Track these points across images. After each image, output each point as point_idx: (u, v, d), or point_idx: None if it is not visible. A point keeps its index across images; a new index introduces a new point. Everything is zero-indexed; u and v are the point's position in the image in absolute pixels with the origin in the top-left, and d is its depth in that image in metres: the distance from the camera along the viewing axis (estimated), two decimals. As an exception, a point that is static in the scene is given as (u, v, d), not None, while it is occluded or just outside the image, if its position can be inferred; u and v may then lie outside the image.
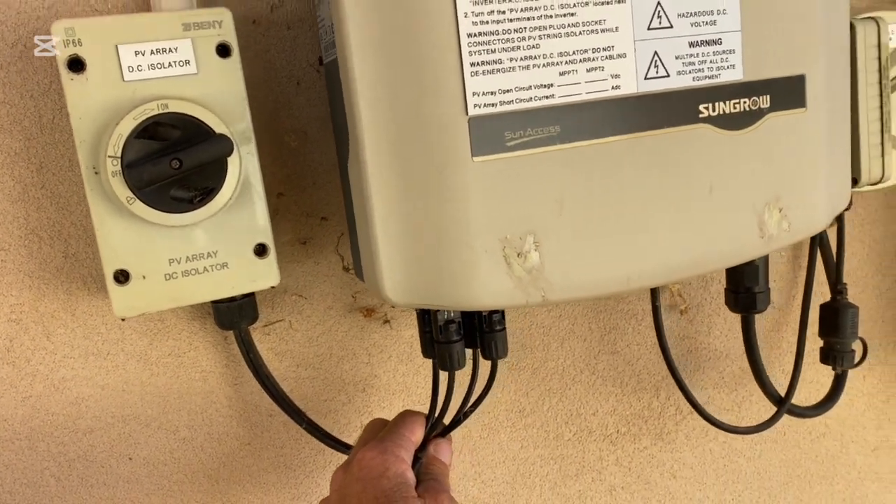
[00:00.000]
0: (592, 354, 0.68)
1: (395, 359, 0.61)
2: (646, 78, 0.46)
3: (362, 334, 0.59)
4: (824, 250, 0.63)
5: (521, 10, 0.42)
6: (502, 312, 0.51)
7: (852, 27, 0.55)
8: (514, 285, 0.45)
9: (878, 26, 0.56)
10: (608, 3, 0.44)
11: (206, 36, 0.45)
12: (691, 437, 0.73)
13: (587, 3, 0.43)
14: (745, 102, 0.49)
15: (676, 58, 0.46)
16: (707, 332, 0.71)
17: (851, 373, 0.81)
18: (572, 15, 0.43)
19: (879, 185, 0.61)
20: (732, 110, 0.48)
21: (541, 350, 0.66)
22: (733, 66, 0.48)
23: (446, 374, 0.50)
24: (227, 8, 0.46)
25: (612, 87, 0.45)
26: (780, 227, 0.51)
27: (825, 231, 0.68)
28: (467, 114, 0.42)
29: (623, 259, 0.47)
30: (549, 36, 0.43)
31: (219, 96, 0.46)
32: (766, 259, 0.58)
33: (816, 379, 0.77)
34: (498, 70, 0.42)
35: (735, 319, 0.72)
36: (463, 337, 0.49)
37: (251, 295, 0.51)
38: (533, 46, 0.43)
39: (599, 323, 0.68)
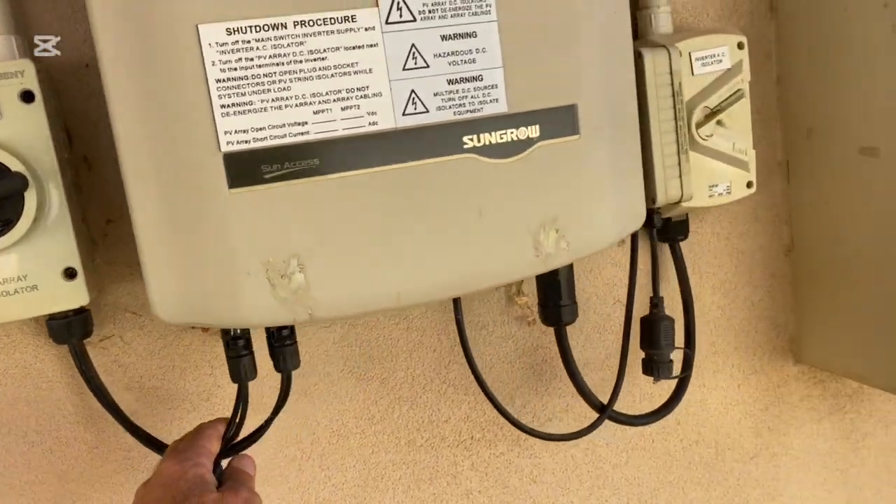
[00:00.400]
0: (443, 364, 0.72)
1: (240, 370, 0.66)
2: (404, 114, 0.50)
3: (204, 348, 0.64)
4: (654, 264, 0.66)
5: (270, 56, 0.47)
6: (291, 328, 0.55)
7: (640, 56, 0.59)
8: (280, 304, 0.49)
9: (669, 54, 0.59)
10: (360, 47, 0.48)
11: (9, 85, 0.51)
12: (550, 444, 0.77)
13: (338, 49, 0.48)
14: (511, 133, 0.52)
15: (435, 94, 0.50)
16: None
17: (725, 382, 0.83)
18: (322, 59, 0.48)
19: (689, 204, 0.64)
20: (499, 140, 0.52)
21: (389, 361, 0.70)
22: (496, 99, 0.52)
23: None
24: (29, 59, 0.51)
25: (370, 124, 0.49)
26: (557, 245, 0.55)
27: (656, 245, 0.71)
28: (220, 150, 0.47)
29: (391, 278, 0.51)
30: (299, 79, 0.47)
31: (23, 137, 0.51)
32: (569, 275, 0.62)
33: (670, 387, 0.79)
34: (249, 111, 0.47)
35: (584, 329, 0.75)
36: (251, 352, 0.54)
37: (83, 312, 0.57)
38: (284, 89, 0.47)
39: (449, 334, 0.72)
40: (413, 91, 0.50)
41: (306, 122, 0.48)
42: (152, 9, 0.45)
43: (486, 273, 0.53)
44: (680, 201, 0.62)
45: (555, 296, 0.61)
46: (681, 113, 0.60)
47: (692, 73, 0.68)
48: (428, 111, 0.50)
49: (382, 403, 0.71)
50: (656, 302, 0.65)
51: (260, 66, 0.47)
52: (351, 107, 0.49)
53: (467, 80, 0.51)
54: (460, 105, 0.51)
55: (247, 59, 0.46)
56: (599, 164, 0.56)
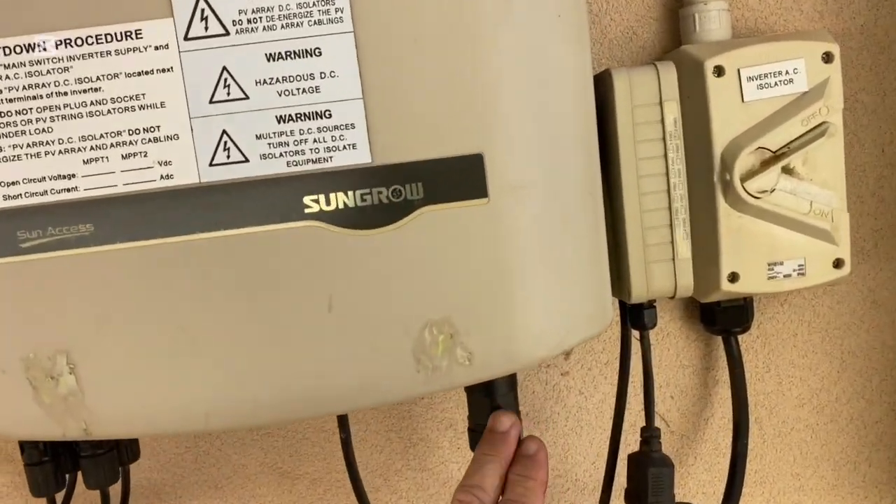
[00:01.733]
0: (393, 471, 0.56)
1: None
2: (211, 164, 0.36)
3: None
4: (647, 376, 0.45)
5: (24, 88, 0.35)
6: (104, 434, 0.43)
7: (604, 81, 0.39)
8: (46, 413, 0.37)
9: (658, 74, 0.39)
10: (148, 73, 0.35)
11: None
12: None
13: (117, 76, 0.35)
14: (379, 193, 0.36)
15: (258, 137, 0.36)
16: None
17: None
18: (95, 90, 0.35)
19: (740, 289, 0.43)
20: (359, 203, 0.36)
21: (321, 459, 0.56)
22: (353, 145, 0.36)
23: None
24: None
25: (162, 177, 0.36)
26: (451, 358, 0.37)
27: (649, 352, 0.49)
28: (-38, 211, 0.36)
29: (197, 392, 0.37)
30: (64, 117, 0.35)
31: None
32: (514, 386, 0.43)
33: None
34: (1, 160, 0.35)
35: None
36: (51, 459, 0.42)
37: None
38: (44, 130, 0.35)
39: (402, 432, 0.56)
40: (225, 132, 0.35)
41: (74, 175, 0.35)
42: None
43: (342, 392, 0.37)
44: (673, 296, 0.41)
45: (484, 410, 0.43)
46: (675, 162, 0.39)
47: (742, 100, 0.46)
48: (247, 160, 0.36)
49: (318, 508, 0.57)
50: (649, 435, 0.44)
51: (11, 101, 0.35)
52: (135, 154, 0.35)
53: (308, 116, 0.35)
54: (297, 152, 0.36)
55: (-8, 91, 0.35)
56: (523, 241, 0.37)
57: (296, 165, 0.36)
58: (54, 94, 0.35)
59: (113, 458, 0.43)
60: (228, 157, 0.36)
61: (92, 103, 0.35)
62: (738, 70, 0.46)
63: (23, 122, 0.35)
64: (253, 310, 0.37)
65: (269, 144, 0.36)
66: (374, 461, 0.56)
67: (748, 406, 0.52)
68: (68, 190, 0.36)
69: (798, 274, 0.48)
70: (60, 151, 0.35)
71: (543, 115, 0.37)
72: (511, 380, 0.43)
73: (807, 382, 0.56)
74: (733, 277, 0.48)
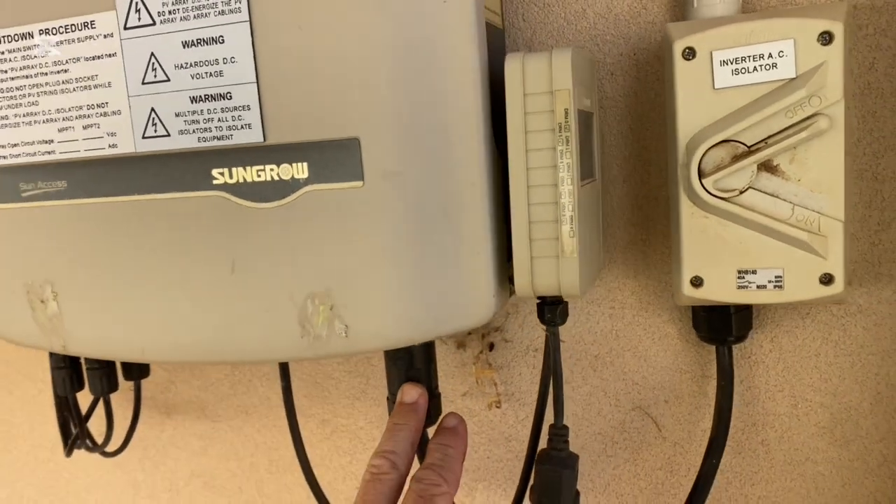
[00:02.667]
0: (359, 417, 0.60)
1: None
2: (144, 137, 0.42)
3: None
4: (553, 373, 0.42)
5: (20, 68, 0.43)
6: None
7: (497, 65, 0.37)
8: (39, 330, 0.47)
9: (553, 65, 0.36)
10: (99, 57, 0.42)
11: None
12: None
13: (79, 59, 0.42)
14: (271, 170, 0.40)
15: (177, 115, 0.41)
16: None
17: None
18: (65, 71, 0.42)
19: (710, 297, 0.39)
20: (255, 178, 0.40)
21: (329, 403, 0.61)
22: (249, 125, 0.39)
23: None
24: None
25: (110, 146, 0.42)
26: (331, 328, 0.40)
27: (550, 356, 0.46)
28: (-14, 165, 0.46)
29: (136, 328, 0.44)
30: (45, 93, 0.43)
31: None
32: (428, 362, 0.44)
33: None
34: (5, 125, 0.44)
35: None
36: (67, 367, 0.52)
37: None
38: (33, 103, 0.44)
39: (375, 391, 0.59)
40: (153, 110, 0.41)
41: (52, 141, 0.44)
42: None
43: (240, 346, 0.42)
44: (560, 295, 0.39)
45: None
46: (565, 155, 0.37)
47: (713, 87, 0.41)
48: (169, 135, 0.41)
49: (322, 448, 0.62)
50: (554, 434, 0.42)
51: (13, 79, 0.44)
52: (91, 125, 0.43)
53: (213, 97, 0.40)
54: (206, 129, 0.40)
55: (1, 70, 0.44)
56: (395, 223, 0.38)
57: (205, 141, 0.40)
58: (39, 74, 0.43)
59: (109, 373, 0.53)
60: (156, 131, 0.41)
61: (63, 82, 0.43)
62: (711, 53, 0.41)
63: (20, 97, 0.44)
64: (174, 264, 0.42)
65: (185, 122, 0.40)
66: (373, 413, 0.60)
67: (729, 423, 0.47)
68: (49, 153, 0.44)
69: (774, 286, 0.42)
70: (44, 121, 0.44)
71: (423, 104, 0.37)
72: (426, 355, 0.44)
73: (829, 410, 0.49)
74: (697, 282, 0.44)
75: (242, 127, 0.39)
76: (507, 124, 0.37)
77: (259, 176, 0.40)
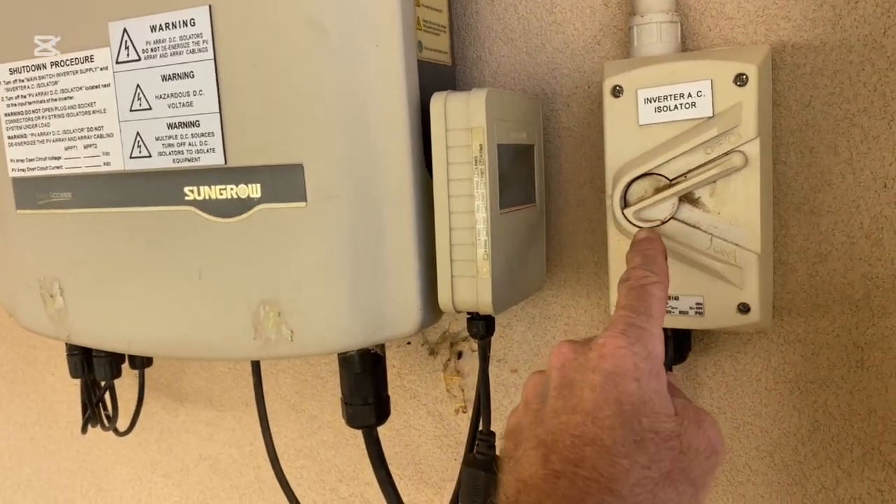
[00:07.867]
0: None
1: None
2: (131, 157, 0.48)
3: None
4: (485, 389, 0.45)
5: (37, 94, 0.50)
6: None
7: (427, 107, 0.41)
8: (49, 321, 0.54)
9: (469, 104, 0.40)
10: (97, 87, 0.48)
11: None
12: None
13: (81, 88, 0.49)
14: (231, 189, 0.45)
15: (157, 139, 0.47)
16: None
17: None
18: (71, 98, 0.49)
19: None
20: (219, 196, 0.45)
21: (318, 400, 0.66)
22: (213, 149, 0.45)
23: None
24: None
25: (104, 164, 0.49)
26: (279, 333, 0.45)
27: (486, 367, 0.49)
28: (10, 176, 0.53)
29: (124, 323, 0.50)
30: (55, 116, 0.50)
31: None
32: (372, 368, 0.48)
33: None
34: (25, 143, 0.52)
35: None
36: (79, 353, 0.59)
37: None
38: (46, 125, 0.51)
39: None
40: (138, 134, 0.47)
41: (60, 157, 0.50)
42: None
43: (206, 345, 0.48)
44: (477, 312, 0.42)
45: (364, 392, 0.49)
46: (480, 186, 0.40)
47: (637, 123, 0.44)
48: (150, 156, 0.47)
49: (310, 441, 0.67)
50: (480, 439, 0.45)
51: (31, 103, 0.51)
52: (91, 145, 0.49)
53: (185, 125, 0.45)
54: (179, 152, 0.46)
55: (22, 96, 0.51)
56: (333, 242, 0.43)
57: (178, 162, 0.46)
58: (50, 100, 0.50)
59: (112, 361, 0.59)
60: (140, 152, 0.47)
61: (69, 107, 0.49)
62: (636, 91, 0.44)
63: (36, 118, 0.51)
64: (154, 269, 0.48)
65: (163, 144, 0.46)
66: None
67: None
68: (57, 167, 0.51)
69: (696, 312, 0.45)
70: (54, 140, 0.50)
71: (358, 135, 0.42)
72: (373, 359, 0.49)
73: (770, 435, 0.50)
74: (624, 305, 0.46)
75: (208, 150, 0.45)
76: (433, 156, 0.41)
77: (221, 194, 0.45)
